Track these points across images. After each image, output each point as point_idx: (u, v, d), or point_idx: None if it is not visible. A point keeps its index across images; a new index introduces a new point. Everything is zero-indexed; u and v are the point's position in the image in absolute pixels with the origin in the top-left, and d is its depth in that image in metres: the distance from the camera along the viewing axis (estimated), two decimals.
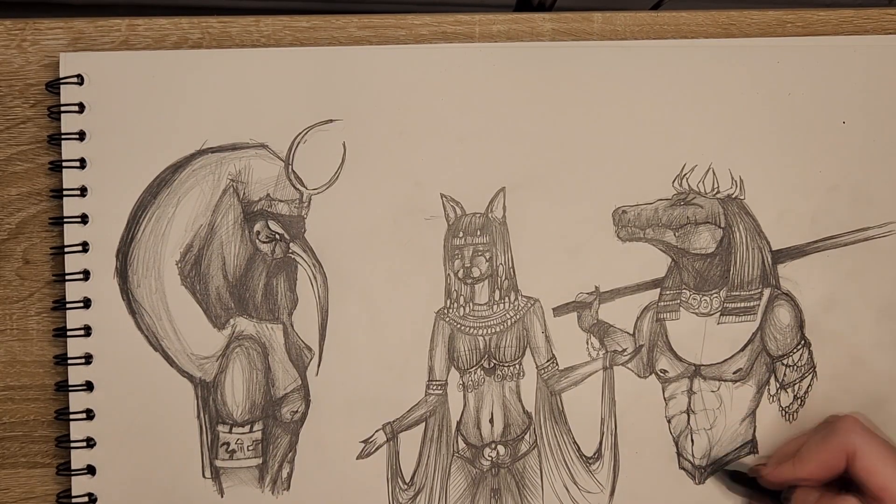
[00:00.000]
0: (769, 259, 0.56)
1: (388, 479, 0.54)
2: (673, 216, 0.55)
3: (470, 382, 0.55)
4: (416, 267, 0.54)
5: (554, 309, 0.55)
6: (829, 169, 0.56)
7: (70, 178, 0.52)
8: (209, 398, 0.53)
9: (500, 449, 0.55)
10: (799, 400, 0.56)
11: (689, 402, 0.56)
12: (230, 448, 0.53)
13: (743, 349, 0.56)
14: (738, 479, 0.55)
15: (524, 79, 0.54)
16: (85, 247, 0.52)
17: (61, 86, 0.52)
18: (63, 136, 0.52)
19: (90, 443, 0.52)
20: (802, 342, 0.56)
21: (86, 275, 0.52)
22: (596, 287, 0.55)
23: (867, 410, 0.56)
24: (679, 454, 0.56)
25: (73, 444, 0.52)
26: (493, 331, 0.55)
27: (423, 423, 0.54)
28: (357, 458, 0.54)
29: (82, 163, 0.52)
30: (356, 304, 0.54)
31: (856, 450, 0.50)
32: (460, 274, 0.54)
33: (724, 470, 0.56)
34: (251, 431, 0.53)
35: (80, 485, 0.52)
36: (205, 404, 0.53)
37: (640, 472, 0.55)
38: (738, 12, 0.57)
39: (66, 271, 0.52)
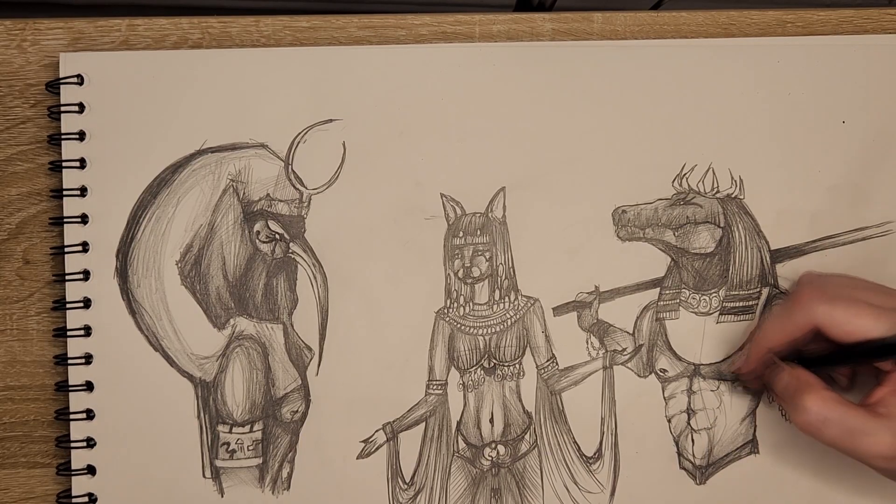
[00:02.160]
0: (768, 259, 0.56)
1: (388, 479, 0.54)
2: (672, 216, 0.55)
3: (470, 382, 0.55)
4: (416, 267, 0.54)
5: (554, 308, 0.55)
6: (828, 169, 0.56)
7: (70, 178, 0.52)
8: (209, 398, 0.53)
9: (501, 449, 0.55)
10: None
11: (689, 402, 0.56)
12: (230, 448, 0.53)
13: (742, 348, 0.56)
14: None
15: (524, 79, 0.55)
16: (85, 247, 0.52)
17: (61, 86, 0.52)
18: (63, 136, 0.52)
19: (90, 443, 0.52)
20: None
21: (86, 275, 0.52)
22: (596, 287, 0.55)
23: None
24: (679, 454, 0.56)
25: (73, 444, 0.52)
26: (493, 330, 0.55)
27: (423, 423, 0.54)
28: (357, 458, 0.54)
29: (82, 163, 0.52)
30: (356, 304, 0.54)
31: (821, 321, 0.49)
32: (460, 274, 0.54)
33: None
34: (251, 431, 0.53)
35: (80, 485, 0.52)
36: (205, 404, 0.53)
37: (641, 471, 0.55)
38: (738, 12, 0.57)
39: (66, 271, 0.52)
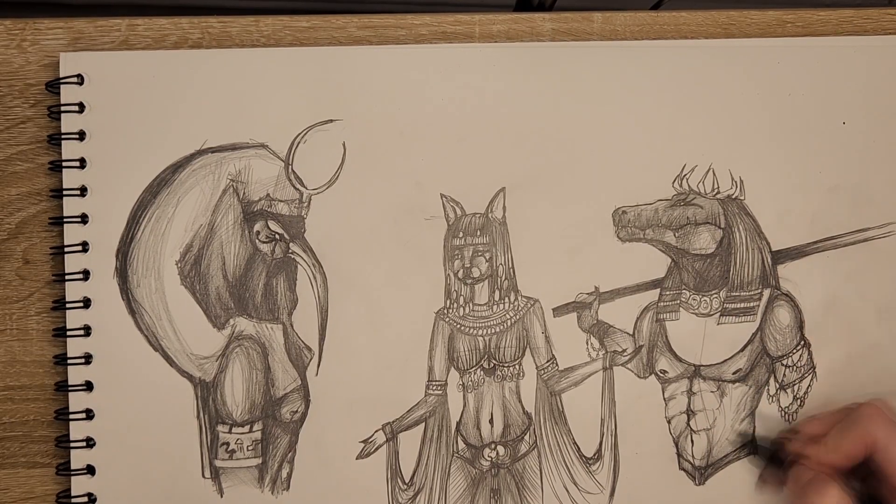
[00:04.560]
0: (769, 259, 0.56)
1: (388, 479, 0.54)
2: (673, 216, 0.55)
3: (470, 383, 0.55)
4: (416, 267, 0.54)
5: (554, 309, 0.55)
6: (829, 169, 0.56)
7: (70, 178, 0.52)
8: (209, 398, 0.53)
9: (500, 449, 0.55)
10: (798, 400, 0.56)
11: (689, 403, 0.56)
12: (230, 448, 0.53)
13: (742, 349, 0.56)
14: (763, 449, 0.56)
15: (524, 79, 0.54)
16: (85, 247, 0.52)
17: (61, 86, 0.52)
18: (63, 136, 0.52)
19: (90, 443, 0.52)
20: (802, 343, 0.56)
21: (86, 275, 0.52)
22: (596, 287, 0.55)
23: None
24: (679, 455, 0.56)
25: (72, 444, 0.52)
26: (493, 331, 0.55)
27: (423, 424, 0.54)
28: (357, 458, 0.54)
29: (82, 163, 0.52)
30: (356, 304, 0.54)
31: (876, 440, 0.49)
32: (460, 274, 0.54)
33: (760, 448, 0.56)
34: (251, 431, 0.53)
35: (79, 485, 0.52)
36: (204, 404, 0.53)
37: (640, 472, 0.55)
38: (738, 12, 0.57)
39: (66, 271, 0.52)
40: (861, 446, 0.50)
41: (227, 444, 0.53)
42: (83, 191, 0.52)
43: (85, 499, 0.52)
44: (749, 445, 0.56)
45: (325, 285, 0.54)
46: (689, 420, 0.56)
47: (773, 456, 0.55)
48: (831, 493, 0.49)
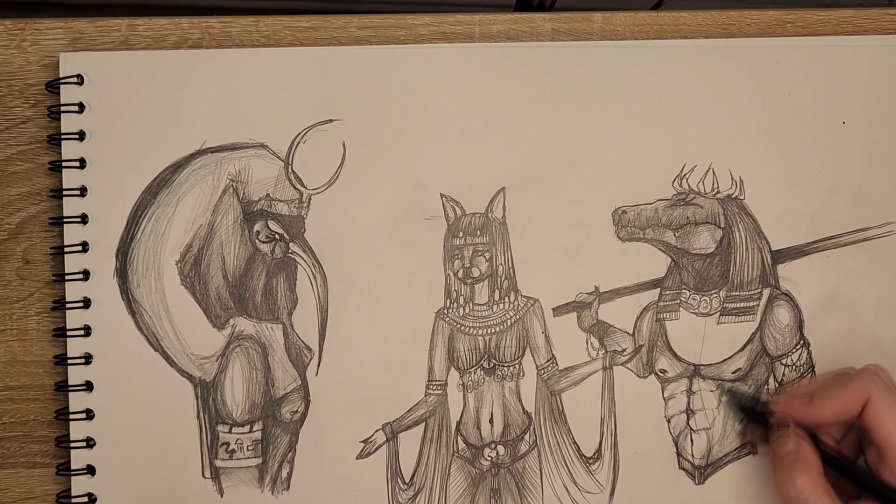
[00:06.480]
0: (769, 259, 0.56)
1: (388, 479, 0.54)
2: (673, 216, 0.55)
3: (470, 382, 0.55)
4: (415, 267, 0.54)
5: (554, 309, 0.55)
6: (829, 169, 0.56)
7: (70, 178, 0.52)
8: (209, 398, 0.53)
9: (500, 449, 0.55)
10: None
11: (689, 402, 0.56)
12: (230, 448, 0.53)
13: (742, 349, 0.56)
14: (738, 400, 0.56)
15: (524, 79, 0.54)
16: (85, 247, 0.52)
17: (61, 86, 0.52)
18: (63, 136, 0.52)
19: (90, 443, 0.52)
20: (801, 342, 0.56)
21: (86, 275, 0.52)
22: (596, 287, 0.55)
23: None
24: (679, 454, 0.56)
25: (72, 444, 0.52)
26: (493, 331, 0.55)
27: (423, 423, 0.54)
28: (357, 458, 0.54)
29: (82, 163, 0.52)
30: (356, 304, 0.54)
31: (870, 397, 0.50)
32: (460, 274, 0.54)
33: (730, 392, 0.56)
34: (251, 431, 0.53)
35: (79, 485, 0.52)
36: (204, 404, 0.53)
37: (640, 472, 0.55)
38: (738, 12, 0.57)
39: (66, 271, 0.52)
40: (854, 402, 0.50)
41: (228, 444, 0.53)
42: (83, 191, 0.52)
43: (85, 499, 0.52)
44: (749, 445, 0.56)
45: (325, 285, 0.54)
46: (688, 419, 0.56)
47: (757, 413, 0.55)
48: (801, 479, 0.49)
